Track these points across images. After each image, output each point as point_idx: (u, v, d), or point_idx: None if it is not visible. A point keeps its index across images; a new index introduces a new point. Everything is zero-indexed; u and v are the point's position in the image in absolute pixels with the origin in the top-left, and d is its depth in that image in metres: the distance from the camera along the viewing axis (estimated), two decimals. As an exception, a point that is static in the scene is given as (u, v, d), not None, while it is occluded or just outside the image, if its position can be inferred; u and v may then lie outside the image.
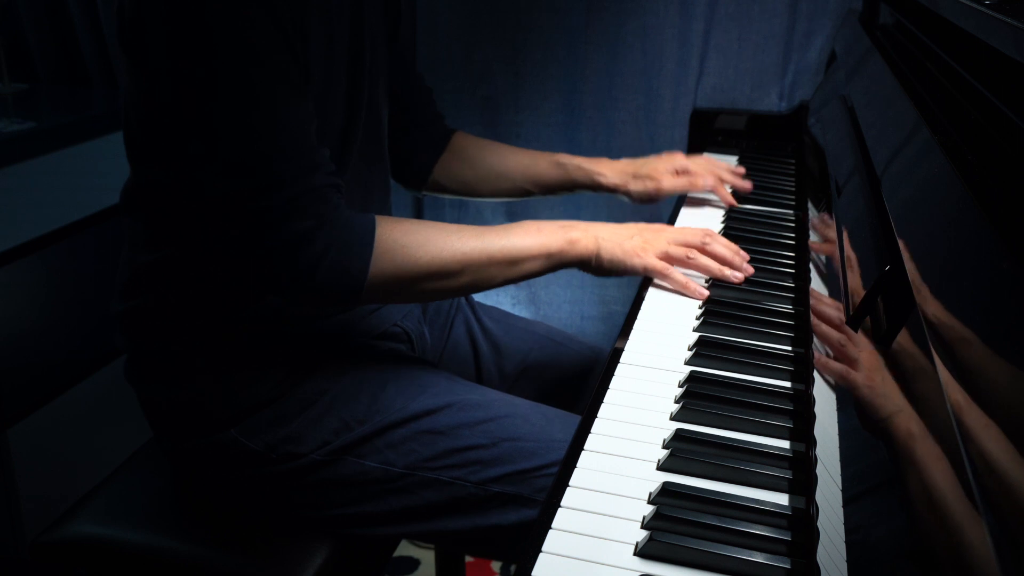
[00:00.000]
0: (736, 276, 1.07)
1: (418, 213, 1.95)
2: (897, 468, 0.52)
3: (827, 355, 0.79)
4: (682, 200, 1.39)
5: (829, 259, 0.95)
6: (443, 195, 1.34)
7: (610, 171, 1.29)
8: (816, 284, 0.99)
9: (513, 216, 1.90)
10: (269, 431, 0.99)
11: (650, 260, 1.05)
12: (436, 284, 0.97)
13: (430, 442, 0.98)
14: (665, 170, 1.29)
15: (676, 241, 1.07)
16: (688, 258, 1.07)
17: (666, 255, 1.06)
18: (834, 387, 0.74)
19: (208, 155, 0.88)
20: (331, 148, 0.99)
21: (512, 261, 0.99)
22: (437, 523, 0.98)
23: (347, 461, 0.98)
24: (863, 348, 0.68)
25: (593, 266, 1.03)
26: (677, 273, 1.06)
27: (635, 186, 1.28)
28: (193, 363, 1.00)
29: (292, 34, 0.87)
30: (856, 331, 0.72)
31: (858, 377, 0.67)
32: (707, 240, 1.08)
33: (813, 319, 0.90)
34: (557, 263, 1.02)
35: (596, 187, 1.29)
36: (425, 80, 1.28)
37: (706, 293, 1.06)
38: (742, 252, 1.10)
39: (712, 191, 1.34)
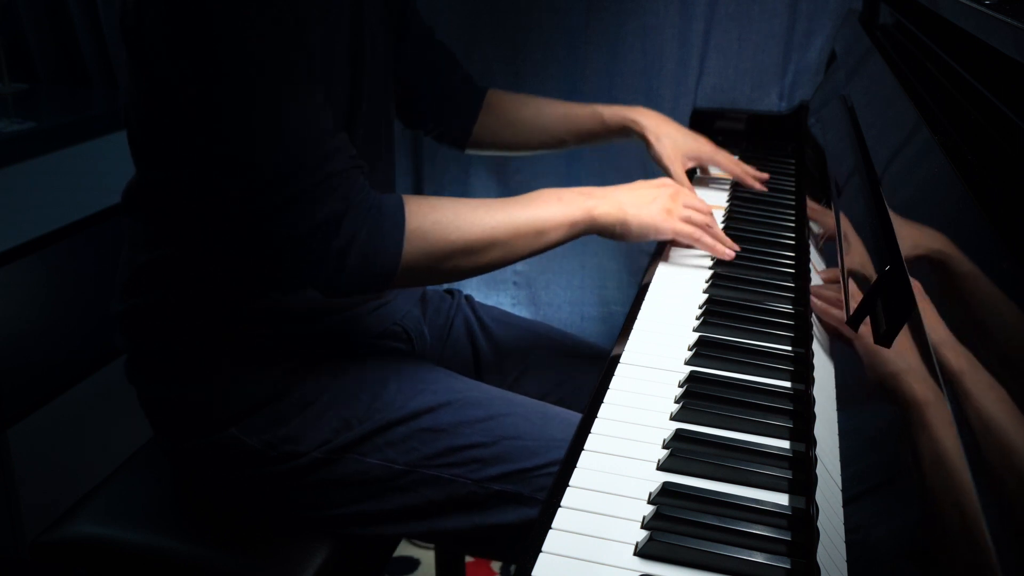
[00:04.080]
0: (728, 253, 1.11)
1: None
2: (902, 434, 0.51)
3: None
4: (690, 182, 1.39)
5: (829, 259, 0.95)
6: (486, 153, 1.36)
7: (647, 120, 1.31)
8: (816, 284, 0.99)
9: (508, 191, 1.89)
10: (269, 430, 0.99)
11: (678, 224, 1.07)
12: (467, 261, 0.96)
13: (431, 440, 0.98)
14: (690, 155, 1.33)
15: (692, 207, 1.10)
16: (708, 226, 1.10)
17: (688, 220, 1.08)
18: (835, 387, 0.74)
19: (218, 153, 0.87)
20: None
21: (538, 232, 0.98)
22: (437, 522, 0.98)
23: (348, 459, 0.98)
24: None
25: (619, 232, 1.03)
26: (705, 235, 1.10)
27: (659, 148, 1.29)
28: (193, 362, 1.00)
29: (295, 28, 0.87)
30: (856, 331, 0.71)
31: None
32: (712, 217, 1.13)
33: (814, 299, 0.89)
34: (580, 231, 1.02)
35: (630, 132, 1.31)
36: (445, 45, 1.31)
37: (732, 254, 1.10)
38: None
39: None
